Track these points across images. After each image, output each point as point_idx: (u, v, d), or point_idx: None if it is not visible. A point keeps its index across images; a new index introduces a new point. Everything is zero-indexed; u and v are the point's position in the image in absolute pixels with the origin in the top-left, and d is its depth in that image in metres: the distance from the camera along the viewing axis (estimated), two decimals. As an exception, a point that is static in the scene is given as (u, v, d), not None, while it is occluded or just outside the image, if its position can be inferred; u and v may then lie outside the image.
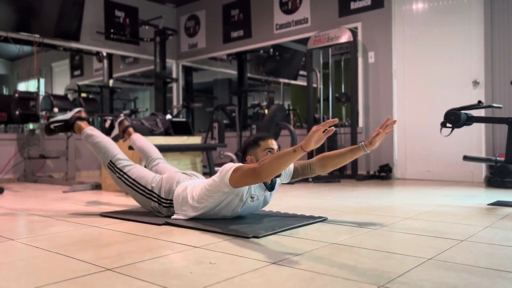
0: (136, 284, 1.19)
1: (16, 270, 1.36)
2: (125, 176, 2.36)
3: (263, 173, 1.75)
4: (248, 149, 2.07)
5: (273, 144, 2.05)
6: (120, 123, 3.04)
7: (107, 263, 1.41)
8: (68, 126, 2.68)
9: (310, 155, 4.65)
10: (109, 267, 1.36)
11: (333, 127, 1.67)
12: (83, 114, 2.68)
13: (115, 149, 2.49)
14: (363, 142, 2.00)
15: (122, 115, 4.93)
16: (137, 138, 2.93)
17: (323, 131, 1.67)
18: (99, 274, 1.30)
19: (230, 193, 1.94)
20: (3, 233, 1.93)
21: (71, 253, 1.54)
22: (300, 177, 2.21)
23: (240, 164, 1.90)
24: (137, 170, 2.37)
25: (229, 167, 1.89)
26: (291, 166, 2.18)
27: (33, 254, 1.55)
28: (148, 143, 2.88)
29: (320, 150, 4.87)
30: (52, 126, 2.70)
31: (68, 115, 2.70)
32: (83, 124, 2.65)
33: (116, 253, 1.53)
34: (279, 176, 2.05)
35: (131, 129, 3.03)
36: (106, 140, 2.53)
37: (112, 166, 2.42)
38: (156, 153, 2.78)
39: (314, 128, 1.66)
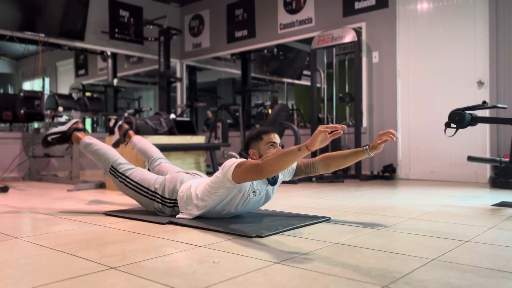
0: (140, 283, 1.20)
1: (21, 268, 1.37)
2: (128, 179, 2.37)
3: (266, 169, 1.75)
4: (251, 143, 2.08)
5: (276, 138, 2.06)
6: (120, 127, 3.04)
7: (111, 261, 1.41)
8: (66, 138, 2.68)
9: (314, 154, 4.65)
10: (113, 265, 1.37)
11: (340, 130, 1.66)
12: (80, 125, 2.69)
13: (115, 155, 2.50)
14: (367, 146, 1.99)
15: (126, 114, 4.95)
16: (138, 140, 2.93)
17: (329, 133, 1.67)
18: (103, 272, 1.30)
19: (233, 188, 1.94)
20: (8, 231, 1.94)
21: (75, 252, 1.55)
22: (303, 175, 2.21)
23: (243, 159, 1.90)
24: (139, 173, 2.38)
25: (232, 162, 1.89)
26: (294, 163, 2.18)
27: (37, 252, 1.56)
28: (148, 143, 2.89)
29: (324, 149, 4.87)
30: (49, 138, 2.69)
31: (65, 127, 2.69)
32: (80, 134, 2.65)
33: (120, 252, 1.54)
34: None
35: (131, 132, 3.04)
36: (105, 147, 2.53)
37: (114, 171, 2.42)
38: (157, 153, 2.79)
39: (321, 127, 1.65)
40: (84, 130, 2.69)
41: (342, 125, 1.66)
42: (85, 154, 2.70)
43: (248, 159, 2.08)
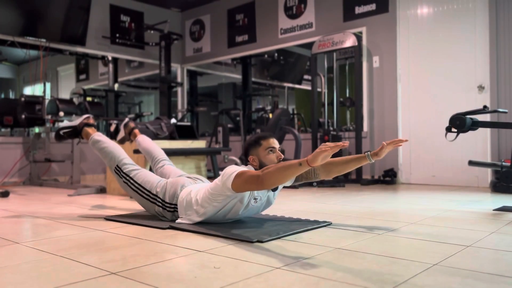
0: (141, 288, 1.19)
1: (21, 274, 1.36)
2: (131, 181, 2.37)
3: (266, 182, 1.74)
4: (250, 149, 2.07)
5: (275, 143, 2.05)
6: (126, 125, 3.06)
7: (112, 267, 1.41)
8: (76, 132, 2.71)
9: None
10: (114, 271, 1.37)
11: (340, 145, 1.62)
12: (91, 121, 2.71)
13: (121, 154, 2.50)
14: (369, 152, 1.99)
15: (127, 118, 4.96)
16: (143, 140, 2.94)
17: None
18: (103, 278, 1.30)
19: (233, 196, 1.94)
20: (8, 236, 1.94)
21: (75, 257, 1.55)
22: (304, 181, 2.21)
23: (243, 168, 1.90)
24: (142, 175, 2.38)
25: (231, 171, 1.88)
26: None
27: (38, 257, 1.56)
28: (153, 144, 2.89)
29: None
30: (61, 132, 2.73)
31: (76, 122, 2.72)
32: (90, 130, 2.67)
33: (121, 257, 1.54)
34: None
35: (136, 131, 3.05)
36: (112, 145, 2.54)
37: (119, 170, 2.43)
38: (161, 154, 2.79)
39: (323, 147, 1.62)
40: (94, 125, 2.70)
41: (344, 142, 1.64)
42: (86, 158, 2.70)
43: (248, 165, 2.08)
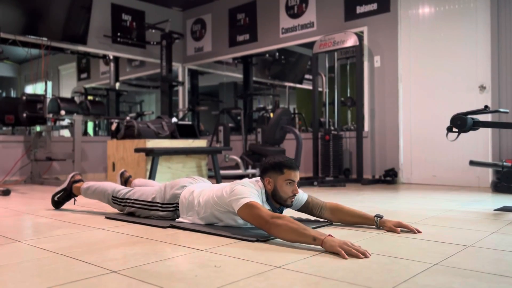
0: (142, 287, 1.20)
1: (22, 272, 1.37)
2: (129, 200, 2.40)
3: (273, 231, 1.70)
4: (270, 172, 1.96)
5: (296, 176, 1.96)
6: (121, 174, 3.10)
7: (113, 265, 1.41)
8: (69, 193, 2.74)
9: (316, 162, 4.64)
10: (115, 269, 1.37)
11: (361, 256, 1.48)
12: (77, 177, 2.76)
13: (112, 185, 2.56)
14: (378, 218, 1.99)
15: (128, 118, 4.96)
16: (138, 181, 2.99)
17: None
18: (104, 276, 1.30)
19: (235, 213, 1.91)
20: (9, 235, 1.95)
21: (76, 255, 1.55)
22: (306, 213, 2.16)
23: (255, 202, 1.80)
24: (136, 191, 2.42)
25: (242, 195, 1.82)
26: (303, 198, 2.11)
27: (39, 256, 1.56)
28: (148, 180, 2.97)
29: (325, 156, 4.87)
30: (55, 198, 2.77)
31: (65, 184, 2.76)
32: (78, 184, 2.71)
33: (122, 256, 1.54)
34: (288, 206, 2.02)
35: (131, 180, 3.10)
36: (102, 184, 2.59)
37: (115, 199, 2.48)
38: (118, 186, 2.79)
39: (345, 246, 1.51)
40: (81, 180, 2.74)
41: (366, 253, 1.50)
42: (87, 157, 2.71)
43: (259, 183, 2.00)
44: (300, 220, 2.21)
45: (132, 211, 2.40)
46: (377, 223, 1.98)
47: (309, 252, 1.56)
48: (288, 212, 2.49)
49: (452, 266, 1.38)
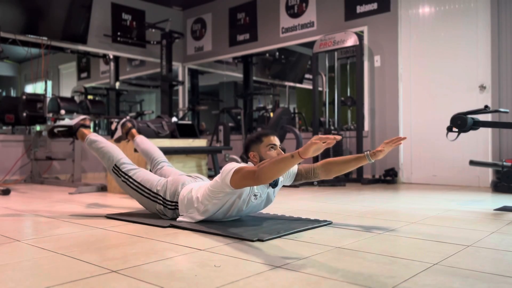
0: (141, 286, 1.20)
1: (22, 271, 1.37)
2: (130, 179, 2.36)
3: (262, 176, 1.76)
4: (251, 146, 2.09)
5: (276, 140, 2.08)
6: (123, 124, 3.04)
7: (112, 265, 1.41)
8: (72, 132, 2.68)
9: (316, 159, 4.65)
10: (114, 269, 1.37)
11: (333, 140, 1.63)
12: (88, 122, 2.69)
13: (119, 154, 2.49)
14: (368, 152, 2.00)
15: (126, 117, 4.96)
16: (141, 141, 2.92)
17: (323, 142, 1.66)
18: (104, 275, 1.30)
19: (232, 193, 1.95)
20: (9, 234, 1.95)
21: (76, 255, 1.55)
22: (304, 180, 2.21)
23: (241, 165, 1.91)
24: (142, 174, 2.38)
25: (230, 168, 1.90)
26: (294, 168, 2.19)
27: (39, 255, 1.56)
28: (152, 145, 2.88)
29: (326, 154, 4.87)
30: (55, 130, 2.71)
31: (72, 121, 2.70)
32: (86, 131, 2.66)
33: (121, 255, 1.54)
34: None
35: (134, 131, 3.03)
36: (109, 145, 2.53)
37: (117, 170, 2.42)
38: (160, 156, 2.78)
39: (314, 139, 1.64)
40: (89, 127, 2.70)
41: (336, 135, 1.64)
42: (87, 156, 2.71)
43: (249, 162, 2.09)
44: (299, 219, 2.21)
45: (130, 191, 2.36)
46: (369, 157, 1.99)
47: (309, 252, 1.56)
48: (288, 211, 2.49)
49: (452, 266, 1.38)
